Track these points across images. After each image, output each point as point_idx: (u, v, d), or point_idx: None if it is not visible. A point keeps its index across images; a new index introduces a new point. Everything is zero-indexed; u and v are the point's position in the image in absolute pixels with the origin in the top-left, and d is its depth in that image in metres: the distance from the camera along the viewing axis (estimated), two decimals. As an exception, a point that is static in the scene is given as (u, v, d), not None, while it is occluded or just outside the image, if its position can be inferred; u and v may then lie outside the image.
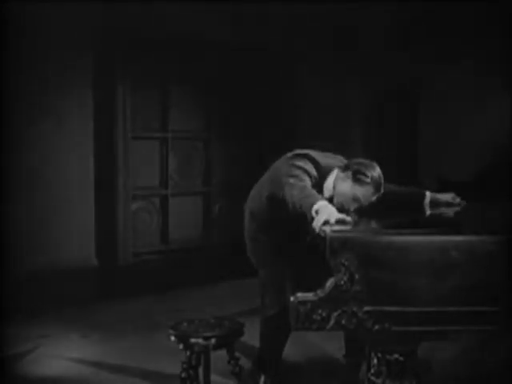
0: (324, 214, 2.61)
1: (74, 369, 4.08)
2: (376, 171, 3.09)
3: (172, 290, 5.97)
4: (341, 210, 3.03)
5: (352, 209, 3.12)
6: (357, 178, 3.05)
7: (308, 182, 3.02)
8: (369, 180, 3.04)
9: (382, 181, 3.10)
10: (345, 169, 3.12)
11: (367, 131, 7.22)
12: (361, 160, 3.14)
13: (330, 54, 7.00)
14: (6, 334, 4.38)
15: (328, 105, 7.02)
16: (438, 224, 3.24)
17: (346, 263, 2.37)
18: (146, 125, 6.24)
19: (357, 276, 2.37)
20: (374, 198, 3.10)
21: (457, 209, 3.47)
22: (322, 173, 3.17)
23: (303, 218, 2.83)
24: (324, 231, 2.51)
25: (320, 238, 2.57)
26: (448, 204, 3.53)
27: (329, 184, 3.17)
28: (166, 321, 3.88)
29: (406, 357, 2.52)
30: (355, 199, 3.08)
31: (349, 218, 2.60)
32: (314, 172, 3.13)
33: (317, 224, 2.59)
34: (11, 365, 4.10)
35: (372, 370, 2.58)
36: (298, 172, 3.06)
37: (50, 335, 4.69)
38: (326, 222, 2.56)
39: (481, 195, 3.89)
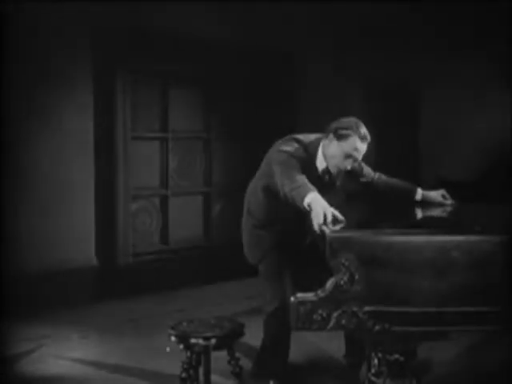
0: (318, 208, 2.65)
1: (74, 369, 4.07)
2: (354, 122, 3.16)
3: (172, 289, 5.97)
4: (337, 176, 3.24)
5: (349, 167, 3.20)
6: (339, 134, 3.13)
7: (296, 167, 3.05)
8: (351, 131, 3.12)
9: (364, 129, 3.15)
10: (327, 134, 3.20)
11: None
12: (338, 119, 3.21)
13: (330, 54, 7.00)
14: (6, 334, 4.38)
15: (328, 105, 7.02)
16: (438, 224, 3.24)
17: (346, 263, 2.37)
18: (146, 125, 6.23)
19: (357, 276, 2.37)
20: (364, 148, 3.16)
21: (448, 209, 3.47)
22: (311, 151, 3.23)
23: (301, 213, 2.85)
24: (323, 231, 2.52)
25: (320, 238, 2.57)
26: (440, 204, 3.53)
27: (319, 157, 3.24)
28: (166, 321, 3.88)
29: (406, 357, 2.52)
30: (347, 156, 3.14)
31: (341, 217, 2.63)
32: (301, 153, 3.18)
33: (316, 222, 2.61)
34: (11, 365, 4.09)
35: (372, 370, 2.58)
36: (285, 157, 3.12)
37: (49, 335, 4.69)
38: (325, 221, 2.59)
39: (481, 195, 3.89)
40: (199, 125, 6.63)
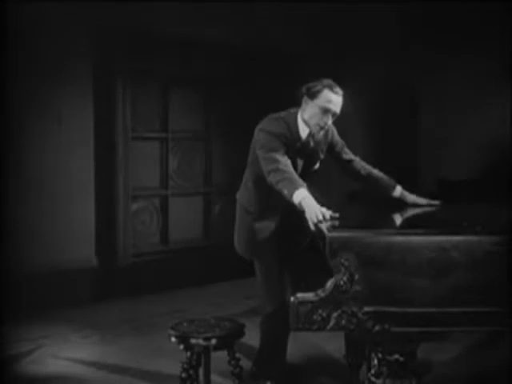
0: (314, 208, 2.70)
1: (74, 369, 4.08)
2: (321, 80, 3.22)
3: (172, 290, 5.97)
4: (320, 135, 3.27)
5: (330, 122, 3.25)
6: (310, 93, 3.19)
7: (279, 147, 3.11)
8: (320, 87, 3.18)
9: (331, 81, 3.21)
10: (300, 100, 3.25)
11: (367, 131, 7.22)
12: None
13: (330, 53, 7.00)
14: (6, 334, 4.37)
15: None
16: (438, 224, 3.23)
17: (346, 263, 2.37)
18: (146, 125, 6.24)
19: (357, 276, 2.37)
20: (340, 101, 3.21)
21: (428, 208, 3.44)
22: (292, 123, 3.27)
23: (294, 207, 2.89)
24: (321, 229, 2.53)
25: (319, 238, 2.58)
26: (416, 204, 3.49)
27: (301, 125, 3.26)
28: (165, 321, 3.88)
29: (406, 357, 2.51)
30: (324, 110, 3.18)
31: (334, 214, 2.69)
32: (282, 128, 3.22)
33: (312, 219, 2.68)
34: (11, 365, 4.09)
35: (372, 371, 2.57)
36: (266, 137, 3.17)
37: (49, 335, 4.69)
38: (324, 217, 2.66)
39: (481, 195, 3.89)
40: (199, 125, 6.64)
